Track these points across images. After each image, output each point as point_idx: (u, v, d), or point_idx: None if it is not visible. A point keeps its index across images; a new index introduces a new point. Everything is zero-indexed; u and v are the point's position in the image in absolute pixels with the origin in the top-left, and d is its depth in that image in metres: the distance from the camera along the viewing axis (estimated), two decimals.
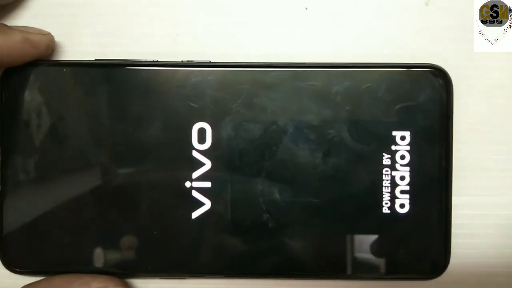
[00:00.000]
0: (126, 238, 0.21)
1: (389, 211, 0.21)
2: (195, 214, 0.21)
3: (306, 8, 0.22)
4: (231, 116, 0.21)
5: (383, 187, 0.21)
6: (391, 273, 0.21)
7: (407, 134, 0.21)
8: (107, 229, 0.21)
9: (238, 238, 0.21)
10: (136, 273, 0.21)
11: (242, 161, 0.21)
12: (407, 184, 0.21)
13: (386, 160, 0.21)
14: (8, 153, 0.21)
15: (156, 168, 0.21)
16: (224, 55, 0.21)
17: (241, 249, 0.21)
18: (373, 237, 0.21)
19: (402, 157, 0.21)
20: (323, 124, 0.21)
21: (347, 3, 0.21)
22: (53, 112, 0.21)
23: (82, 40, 0.21)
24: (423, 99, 0.21)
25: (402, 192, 0.21)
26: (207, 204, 0.21)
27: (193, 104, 0.21)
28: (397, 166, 0.21)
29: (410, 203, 0.21)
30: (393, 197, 0.21)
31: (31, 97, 0.21)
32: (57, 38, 0.21)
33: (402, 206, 0.21)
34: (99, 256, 0.21)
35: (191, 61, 0.21)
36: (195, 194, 0.21)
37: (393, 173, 0.21)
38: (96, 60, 0.21)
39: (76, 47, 0.21)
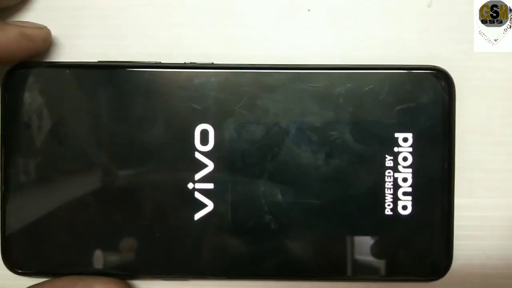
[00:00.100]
0: (128, 239, 0.21)
1: (391, 213, 0.21)
2: (197, 216, 0.21)
3: (309, 10, 0.22)
4: (234, 117, 0.21)
5: (386, 189, 0.21)
6: (394, 275, 0.21)
7: (409, 135, 0.21)
8: (110, 230, 0.21)
9: (241, 239, 0.21)
10: (138, 275, 0.21)
11: (244, 163, 0.21)
12: (410, 186, 0.21)
13: (389, 162, 0.21)
14: (11, 155, 0.21)
15: (158, 170, 0.21)
16: (227, 56, 0.21)
17: (244, 251, 0.21)
18: (375, 238, 0.21)
19: (405, 159, 0.21)
20: (326, 126, 0.21)
21: (349, 5, 0.22)
22: (55, 113, 0.21)
23: (85, 42, 0.21)
24: (425, 101, 0.21)
25: (405, 193, 0.21)
26: (210, 206, 0.21)
27: (195, 106, 0.21)
28: (400, 167, 0.21)
29: (412, 205, 0.21)
30: (395, 199, 0.21)
31: (34, 98, 0.21)
32: (59, 40, 0.21)
33: (404, 207, 0.21)
34: (101, 257, 0.21)
35: (194, 63, 0.21)
36: (197, 195, 0.21)
37: (396, 174, 0.21)
38: (99, 61, 0.21)
39: (79, 48, 0.21)
